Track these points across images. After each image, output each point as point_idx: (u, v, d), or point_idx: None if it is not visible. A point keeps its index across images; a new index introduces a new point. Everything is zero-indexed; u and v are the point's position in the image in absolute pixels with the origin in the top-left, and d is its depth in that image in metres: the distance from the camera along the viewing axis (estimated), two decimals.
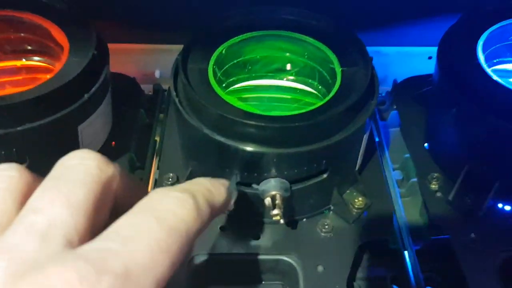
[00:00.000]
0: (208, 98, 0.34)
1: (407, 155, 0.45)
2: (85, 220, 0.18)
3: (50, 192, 0.18)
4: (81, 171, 0.19)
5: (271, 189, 0.33)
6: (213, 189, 0.22)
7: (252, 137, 0.31)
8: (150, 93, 0.52)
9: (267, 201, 0.32)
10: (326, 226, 0.37)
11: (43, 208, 0.17)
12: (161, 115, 0.50)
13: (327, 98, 0.34)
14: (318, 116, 0.32)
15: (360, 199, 0.38)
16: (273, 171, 0.33)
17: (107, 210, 0.20)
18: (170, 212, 0.18)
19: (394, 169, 0.46)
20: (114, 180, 0.20)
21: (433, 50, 0.55)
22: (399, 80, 0.51)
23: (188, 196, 0.20)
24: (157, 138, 0.49)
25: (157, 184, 0.41)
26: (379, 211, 0.38)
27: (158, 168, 0.44)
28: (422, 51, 0.55)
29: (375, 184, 0.40)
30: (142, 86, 0.50)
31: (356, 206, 0.37)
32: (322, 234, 0.37)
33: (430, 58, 0.55)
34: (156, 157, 0.47)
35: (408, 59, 0.55)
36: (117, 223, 0.18)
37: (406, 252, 0.40)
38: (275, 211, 0.32)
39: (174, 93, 0.35)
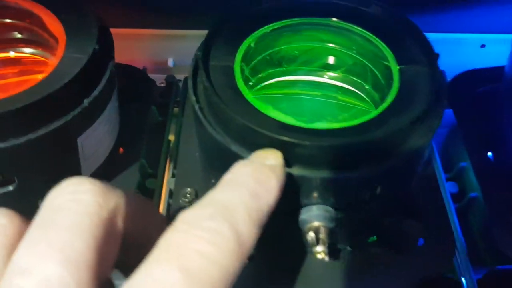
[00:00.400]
0: (236, 106, 0.27)
1: (464, 163, 0.38)
2: (88, 274, 0.15)
3: (39, 246, 0.15)
4: (74, 211, 0.16)
5: (314, 219, 0.26)
6: (260, 188, 0.19)
7: (292, 157, 0.25)
8: (162, 85, 0.47)
9: (310, 236, 0.26)
10: (375, 258, 0.31)
11: (32, 268, 0.15)
12: (176, 109, 0.44)
13: (385, 105, 0.27)
14: (376, 130, 0.26)
15: (414, 224, 0.31)
16: (316, 197, 0.27)
17: (115, 251, 0.17)
18: (200, 259, 0.15)
19: (447, 180, 0.39)
20: (119, 213, 0.17)
21: (487, 38, 0.48)
22: (447, 72, 0.44)
23: (224, 225, 0.17)
24: (171, 138, 0.43)
25: (173, 199, 0.35)
26: (438, 237, 0.32)
27: (173, 176, 0.39)
28: (473, 38, 0.48)
29: (429, 202, 0.34)
30: (153, 77, 0.44)
31: (409, 233, 0.31)
32: (370, 267, 0.31)
33: (483, 46, 0.48)
34: (170, 161, 0.41)
35: (456, 47, 0.48)
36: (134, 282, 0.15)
37: (463, 279, 0.34)
38: (319, 248, 0.26)
39: (193, 98, 0.29)
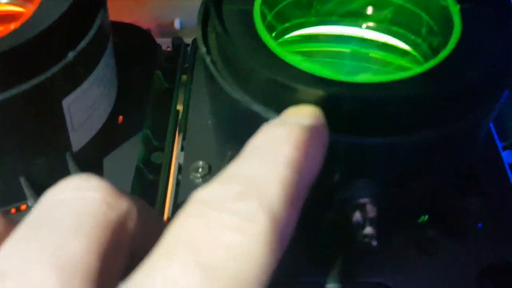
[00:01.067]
0: (257, 56, 0.21)
1: None
2: (84, 286, 0.12)
3: (26, 246, 0.12)
4: (76, 209, 0.13)
5: (360, 195, 0.21)
6: (298, 156, 0.14)
7: (332, 118, 0.20)
8: (168, 50, 0.42)
9: (356, 216, 0.21)
10: (428, 242, 0.26)
11: (14, 272, 0.12)
12: (184, 77, 0.39)
13: (442, 56, 0.22)
14: (434, 85, 0.20)
15: (476, 203, 0.26)
16: (363, 169, 0.21)
17: (122, 262, 0.13)
18: (225, 253, 0.12)
19: (503, 149, 0.33)
20: (131, 218, 0.14)
21: None
22: None
23: (255, 206, 0.13)
24: (180, 108, 0.38)
25: (182, 174, 0.30)
26: (501, 217, 0.27)
27: (182, 150, 0.34)
28: None
29: (489, 176, 0.28)
30: (158, 41, 0.39)
31: (470, 213, 0.26)
32: (422, 252, 0.26)
33: None
34: (179, 134, 0.36)
35: None
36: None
37: None
38: (368, 231, 0.21)
39: (203, 49, 0.23)
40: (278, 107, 0.20)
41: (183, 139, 0.34)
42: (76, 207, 0.13)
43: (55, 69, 0.22)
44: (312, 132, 0.16)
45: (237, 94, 0.21)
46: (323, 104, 0.19)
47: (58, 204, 0.13)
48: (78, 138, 0.26)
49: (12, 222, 0.14)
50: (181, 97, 0.38)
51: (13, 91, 0.21)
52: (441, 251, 0.26)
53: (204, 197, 0.13)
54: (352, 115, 0.20)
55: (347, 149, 0.20)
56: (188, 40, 0.43)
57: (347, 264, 0.25)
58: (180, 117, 0.37)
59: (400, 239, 0.26)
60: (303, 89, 0.19)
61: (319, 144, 0.16)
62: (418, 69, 0.21)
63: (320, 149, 0.16)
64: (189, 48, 0.42)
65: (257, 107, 0.21)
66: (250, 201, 0.13)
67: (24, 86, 0.21)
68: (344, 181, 0.21)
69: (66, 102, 0.23)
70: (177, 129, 0.36)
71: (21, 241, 0.12)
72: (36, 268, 0.12)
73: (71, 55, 0.22)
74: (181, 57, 0.40)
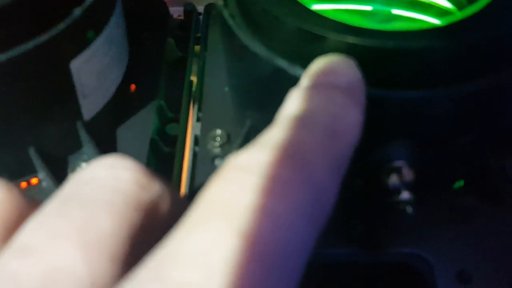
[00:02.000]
0: (281, 4, 0.20)
1: None
2: (111, 267, 0.11)
3: (55, 222, 0.11)
4: (109, 187, 0.12)
5: (397, 157, 0.19)
6: (337, 124, 0.13)
7: (367, 72, 0.18)
8: (180, 17, 0.40)
9: (393, 178, 0.19)
10: (463, 210, 0.24)
11: (36, 248, 0.11)
12: (196, 47, 0.38)
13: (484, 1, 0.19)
14: (478, 32, 0.18)
15: None
16: (397, 128, 0.19)
17: (150, 247, 0.12)
18: (265, 222, 0.10)
19: None
20: (163, 202, 0.13)
21: None
22: None
23: (297, 175, 0.12)
24: (194, 79, 0.37)
25: (199, 145, 0.28)
26: None
27: (198, 120, 0.32)
28: None
29: None
30: (169, 10, 0.37)
31: (508, 178, 0.24)
32: (457, 222, 0.24)
33: None
34: (194, 105, 0.34)
35: None
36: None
37: None
38: (405, 195, 0.19)
39: (221, 2, 0.21)
40: (304, 62, 0.18)
41: (199, 109, 0.32)
42: (109, 185, 0.12)
43: (60, 26, 0.20)
44: (349, 94, 0.14)
45: (259, 49, 0.20)
46: (357, 56, 0.17)
47: (90, 182, 0.12)
48: (89, 105, 0.25)
49: (35, 201, 0.13)
50: (194, 69, 0.37)
51: (16, 51, 0.19)
52: (478, 218, 0.24)
53: (240, 161, 0.12)
54: (389, 67, 0.18)
55: (384, 105, 0.18)
56: (200, 9, 0.41)
57: (378, 234, 0.24)
58: (194, 88, 0.36)
59: (435, 206, 0.24)
60: (335, 39, 0.17)
61: (358, 107, 0.14)
62: (459, 15, 0.19)
63: (359, 114, 0.14)
64: (201, 17, 0.40)
65: (281, 62, 0.19)
66: (292, 169, 0.12)
67: (28, 45, 0.19)
68: (378, 141, 0.19)
69: (74, 65, 0.22)
70: (192, 100, 0.35)
71: (48, 216, 0.12)
72: (62, 244, 0.11)
73: (77, 11, 0.21)
74: (193, 22, 0.38)
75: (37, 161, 0.24)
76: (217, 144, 0.27)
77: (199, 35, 0.38)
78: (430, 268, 0.23)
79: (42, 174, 0.25)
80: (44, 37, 0.20)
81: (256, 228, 0.10)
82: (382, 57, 0.18)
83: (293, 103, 0.14)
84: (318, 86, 0.15)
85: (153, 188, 0.13)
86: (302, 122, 0.13)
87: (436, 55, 0.17)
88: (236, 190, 0.11)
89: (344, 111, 0.14)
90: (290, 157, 0.12)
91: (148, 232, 0.12)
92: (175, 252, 0.10)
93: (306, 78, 0.16)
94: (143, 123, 0.29)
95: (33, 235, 0.11)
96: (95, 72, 0.24)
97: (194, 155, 0.31)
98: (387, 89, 0.18)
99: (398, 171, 0.19)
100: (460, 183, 0.25)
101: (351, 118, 0.14)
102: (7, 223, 0.12)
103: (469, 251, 0.24)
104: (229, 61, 0.24)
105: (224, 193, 0.11)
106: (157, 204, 0.13)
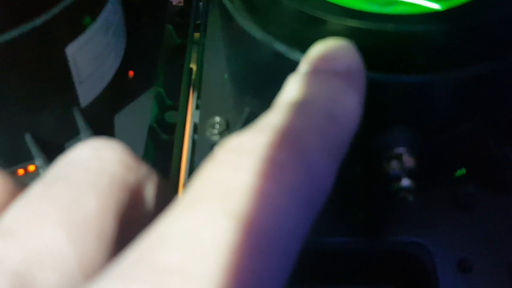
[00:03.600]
0: None
1: None
2: (98, 247, 0.11)
3: (39, 203, 0.11)
4: (95, 168, 0.12)
5: (398, 143, 0.19)
6: (336, 109, 0.13)
7: (367, 55, 0.17)
8: (180, 4, 0.39)
9: (393, 165, 0.18)
10: (465, 198, 0.23)
11: (18, 228, 0.11)
12: (196, 35, 0.37)
13: None
14: (481, 15, 0.18)
15: None
16: (398, 114, 0.19)
17: (138, 230, 0.11)
18: (259, 205, 0.10)
19: None
20: (150, 185, 0.13)
21: None
22: None
23: (294, 157, 0.11)
24: (193, 66, 0.36)
25: (198, 133, 0.28)
26: None
27: (197, 108, 0.32)
28: None
29: None
30: None
31: (510, 165, 0.23)
32: (459, 210, 0.23)
33: None
34: (193, 92, 0.34)
35: None
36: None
37: None
38: (405, 182, 0.19)
39: None
40: (303, 47, 0.17)
41: (198, 97, 0.32)
42: (94, 165, 0.12)
43: (55, 10, 0.20)
44: (349, 79, 0.14)
45: (258, 34, 0.19)
46: (357, 39, 0.16)
47: (75, 163, 0.12)
48: (86, 92, 0.24)
49: (21, 184, 0.13)
50: (193, 57, 0.36)
51: (10, 35, 0.19)
52: (480, 206, 0.24)
53: (234, 143, 0.12)
54: (389, 51, 0.17)
55: (384, 90, 0.18)
56: None
57: (378, 222, 0.23)
58: (193, 76, 0.35)
59: (436, 194, 0.24)
60: (335, 22, 0.17)
61: (358, 93, 0.14)
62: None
63: (359, 99, 0.14)
64: (201, 3, 0.40)
65: (280, 47, 0.19)
66: (288, 151, 0.11)
67: (22, 29, 0.19)
68: (378, 127, 0.19)
69: (70, 50, 0.21)
70: (191, 87, 0.34)
71: (32, 198, 0.12)
72: (47, 224, 0.11)
73: None
74: (193, 9, 0.38)
75: (33, 148, 0.24)
76: (216, 131, 0.26)
77: (198, 22, 0.38)
78: (431, 256, 0.23)
79: (39, 161, 0.25)
80: (38, 21, 0.19)
81: (250, 210, 0.10)
82: (382, 40, 0.17)
83: (292, 89, 0.14)
84: (317, 71, 0.14)
85: (139, 170, 0.12)
86: (301, 107, 0.13)
87: (436, 39, 0.17)
88: (230, 172, 0.11)
89: (343, 96, 0.14)
90: (287, 140, 0.12)
91: (136, 215, 0.12)
92: (164, 234, 0.10)
93: (305, 63, 0.15)
94: (141, 111, 0.29)
95: (16, 217, 0.11)
96: (91, 58, 0.23)
97: (193, 143, 0.31)
98: (388, 73, 0.18)
99: (398, 158, 0.19)
100: (462, 171, 0.24)
101: (350, 103, 0.14)
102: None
103: (470, 240, 0.23)
104: (228, 46, 0.24)
105: (217, 175, 0.11)
106: (143, 186, 0.12)
